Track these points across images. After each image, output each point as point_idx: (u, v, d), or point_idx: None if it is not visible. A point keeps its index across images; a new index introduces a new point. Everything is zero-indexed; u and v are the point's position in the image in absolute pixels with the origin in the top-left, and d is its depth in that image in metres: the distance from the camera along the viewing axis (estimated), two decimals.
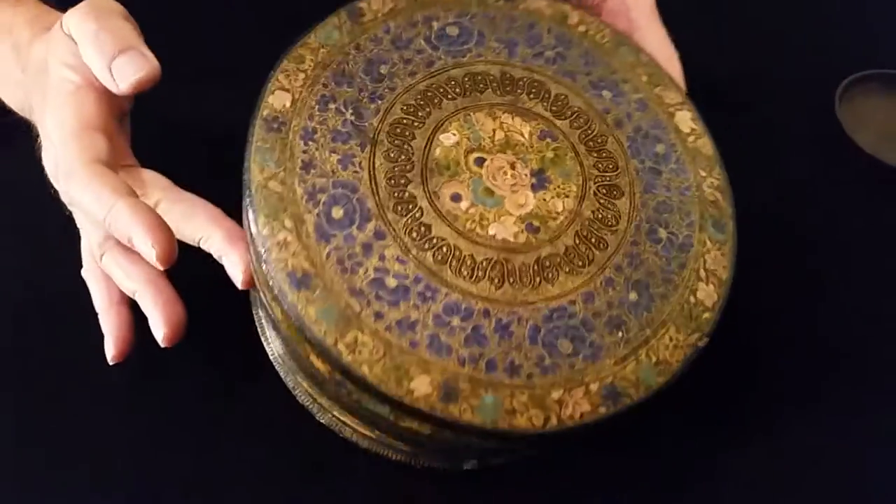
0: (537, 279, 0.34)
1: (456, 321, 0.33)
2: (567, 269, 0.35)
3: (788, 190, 0.48)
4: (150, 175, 0.38)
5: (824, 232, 0.45)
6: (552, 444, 0.34)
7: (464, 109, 0.37)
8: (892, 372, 0.45)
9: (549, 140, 0.37)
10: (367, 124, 0.36)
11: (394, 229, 0.34)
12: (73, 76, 0.37)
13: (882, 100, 0.54)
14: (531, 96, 0.38)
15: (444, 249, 0.34)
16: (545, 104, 0.38)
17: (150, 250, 0.33)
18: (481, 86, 0.38)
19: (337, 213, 0.33)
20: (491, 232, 0.34)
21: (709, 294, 0.36)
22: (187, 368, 0.41)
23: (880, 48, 0.58)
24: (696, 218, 0.38)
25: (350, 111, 0.36)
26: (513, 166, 0.36)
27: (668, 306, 0.35)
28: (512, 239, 0.35)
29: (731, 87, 0.41)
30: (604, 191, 0.37)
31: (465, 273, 0.33)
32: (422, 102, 0.37)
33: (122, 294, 0.39)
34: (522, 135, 0.37)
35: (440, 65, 0.38)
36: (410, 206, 0.34)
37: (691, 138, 0.40)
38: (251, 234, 0.33)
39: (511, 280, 0.34)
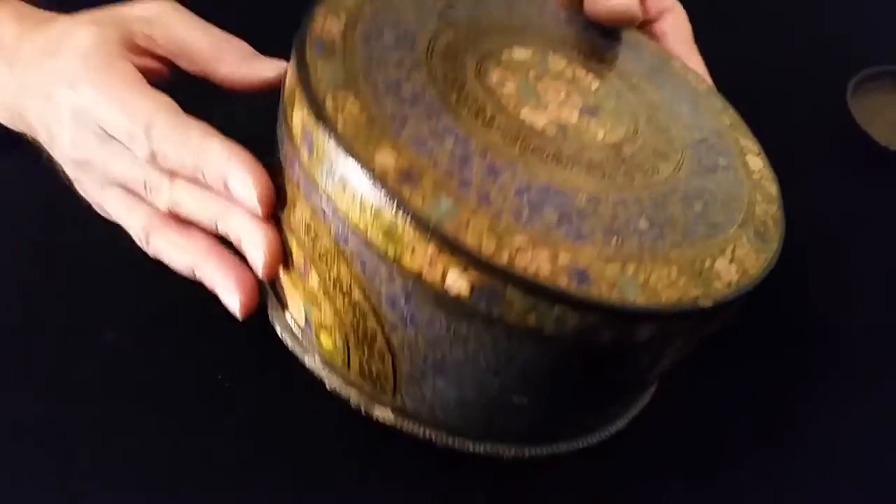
0: (548, 158, 0.32)
1: (448, 141, 0.30)
2: (585, 170, 0.32)
3: (803, 184, 0.43)
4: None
5: (840, 225, 0.42)
6: (491, 300, 0.28)
7: (544, 45, 0.38)
8: None
9: (614, 99, 0.37)
10: (454, 13, 0.37)
11: (432, 66, 0.33)
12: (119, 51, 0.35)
13: (894, 95, 0.53)
14: (611, 68, 0.39)
15: (470, 98, 0.33)
16: (622, 79, 0.39)
17: (250, 192, 0.32)
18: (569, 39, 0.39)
19: (388, 36, 0.34)
20: (521, 115, 0.33)
21: (728, 272, 0.31)
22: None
23: (891, 44, 0.57)
24: (738, 217, 0.34)
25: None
26: (568, 93, 0.36)
27: (677, 252, 0.31)
28: (539, 127, 0.33)
29: (741, 83, 0.39)
30: (651, 151, 0.35)
31: (480, 120, 0.32)
32: (511, 26, 0.38)
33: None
34: (591, 84, 0.37)
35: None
36: (458, 63, 0.34)
37: (756, 175, 0.38)
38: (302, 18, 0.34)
39: (522, 146, 0.32)
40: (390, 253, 0.28)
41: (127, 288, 0.39)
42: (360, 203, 0.28)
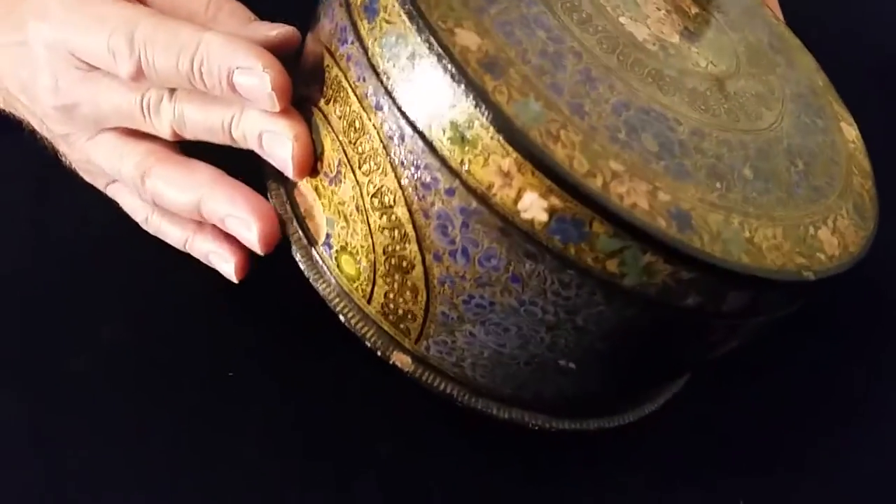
0: (650, 79, 0.26)
1: (541, 34, 0.25)
2: (686, 99, 0.27)
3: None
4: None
5: None
6: (572, 233, 0.23)
7: None
8: None
9: (714, 30, 0.32)
10: None
11: None
12: None
13: None
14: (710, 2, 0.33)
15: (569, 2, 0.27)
16: (721, 13, 0.33)
17: (261, 79, 0.26)
18: None
19: None
20: (621, 20, 0.28)
21: (830, 243, 0.27)
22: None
23: None
24: (837, 186, 0.29)
25: None
26: (668, 12, 0.30)
27: (783, 210, 0.26)
28: (640, 39, 0.28)
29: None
30: (752, 94, 0.30)
31: (577, 20, 0.26)
32: None
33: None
34: (690, 9, 0.32)
35: None
36: None
37: (851, 146, 0.33)
38: None
39: (621, 58, 0.26)
40: (456, 160, 0.23)
41: (123, 283, 0.34)
42: (429, 91, 0.23)
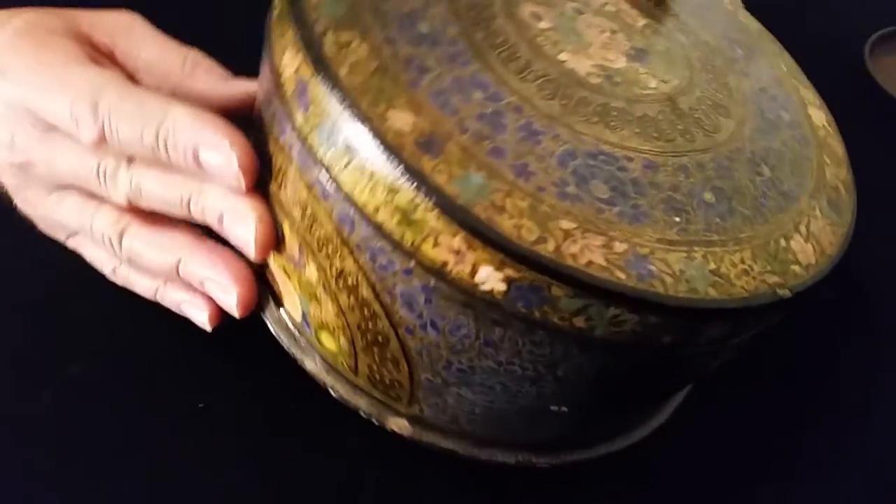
0: (595, 119, 0.26)
1: (478, 95, 0.24)
2: (637, 131, 0.26)
3: None
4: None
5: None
6: (533, 299, 0.23)
7: None
8: None
9: (663, 38, 0.31)
10: None
11: (454, 3, 0.27)
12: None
13: None
14: (660, 8, 0.33)
15: (500, 39, 0.27)
16: (671, 17, 0.32)
17: (228, 160, 0.26)
18: None
19: None
20: (561, 57, 0.27)
21: (804, 252, 0.26)
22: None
23: None
24: (809, 184, 0.29)
25: None
26: (612, 32, 0.30)
27: (749, 229, 0.26)
28: (582, 74, 0.27)
29: None
30: (709, 102, 0.29)
31: (513, 68, 0.26)
32: None
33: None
34: (635, 21, 0.31)
35: None
36: (485, 6, 0.28)
37: (822, 132, 0.32)
38: None
39: (564, 102, 0.26)
40: (407, 242, 0.23)
41: (91, 319, 0.34)
42: (370, 178, 0.23)
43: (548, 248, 0.22)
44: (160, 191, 0.28)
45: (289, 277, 0.28)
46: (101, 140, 0.28)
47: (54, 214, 0.31)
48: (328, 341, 0.28)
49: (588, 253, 0.22)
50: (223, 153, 0.26)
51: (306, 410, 0.31)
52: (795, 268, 0.25)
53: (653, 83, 0.28)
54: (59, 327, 0.34)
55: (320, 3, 0.25)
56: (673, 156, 0.26)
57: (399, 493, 0.31)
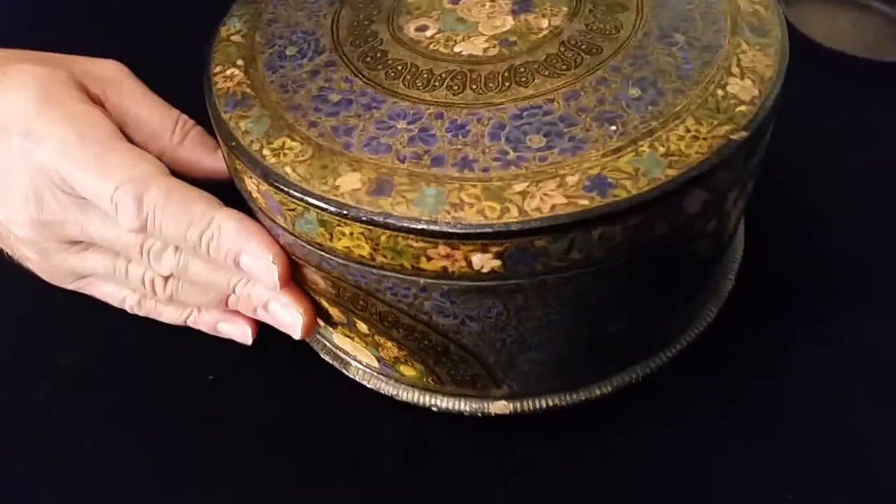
0: (507, 84, 0.28)
1: (401, 124, 0.28)
2: (546, 73, 0.29)
3: None
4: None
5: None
6: (531, 271, 0.26)
7: None
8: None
9: None
10: None
11: (347, 58, 0.31)
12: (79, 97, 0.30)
13: (820, 3, 0.54)
14: None
15: (399, 67, 0.30)
16: None
17: (269, 271, 0.28)
18: None
19: (290, 50, 0.31)
20: (457, 49, 0.30)
21: (745, 88, 0.28)
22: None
23: None
24: (726, 24, 0.30)
25: None
26: (493, 0, 0.32)
27: (683, 99, 0.27)
28: (480, 53, 0.30)
29: None
30: (603, 7, 0.31)
31: (420, 84, 0.29)
32: None
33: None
34: None
35: None
36: (370, 39, 0.31)
37: None
38: (204, 85, 0.31)
39: (474, 87, 0.29)
40: (408, 266, 0.26)
41: (84, 308, 0.36)
42: (353, 238, 0.26)
43: (513, 215, 0.25)
44: (207, 275, 0.30)
45: (351, 339, 0.32)
46: (142, 230, 0.29)
47: (76, 264, 0.32)
48: (407, 370, 0.32)
49: (548, 199, 0.25)
50: (264, 265, 0.28)
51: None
52: (741, 108, 0.27)
53: (544, 24, 0.31)
54: (48, 320, 0.36)
55: (249, 128, 0.28)
56: (588, 75, 0.28)
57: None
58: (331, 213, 0.26)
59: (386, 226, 0.25)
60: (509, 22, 0.31)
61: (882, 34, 0.52)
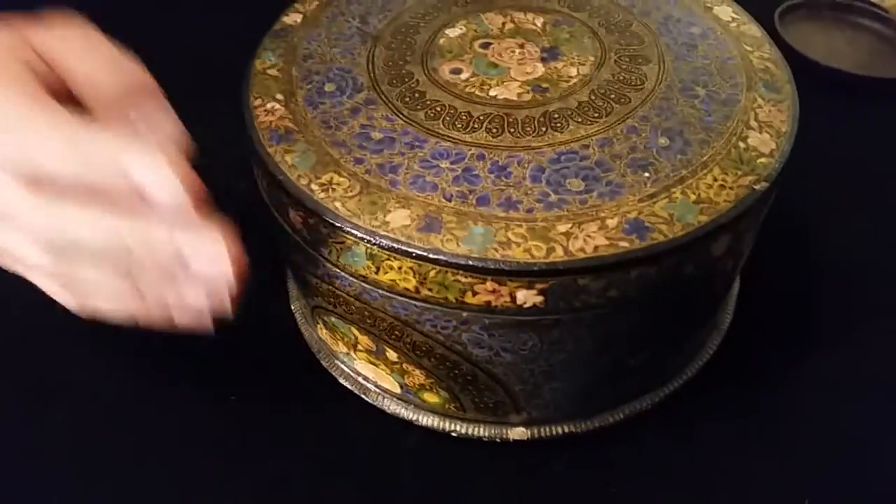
0: (543, 129, 0.30)
1: (445, 164, 0.29)
2: (579, 120, 0.30)
3: None
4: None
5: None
6: (571, 308, 0.27)
7: (473, 11, 0.36)
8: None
9: (564, 26, 0.35)
10: (371, 27, 0.36)
11: (385, 96, 0.32)
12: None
13: (815, 23, 0.58)
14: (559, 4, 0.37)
15: (438, 108, 0.31)
16: (561, 2, 0.37)
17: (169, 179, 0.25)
18: None
19: (329, 87, 0.32)
20: (492, 93, 0.32)
21: (763, 141, 0.30)
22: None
23: None
24: (742, 80, 0.33)
25: (357, 20, 0.36)
26: (522, 46, 0.34)
27: (709, 150, 0.29)
28: (515, 98, 0.31)
29: None
30: (627, 59, 0.33)
31: (460, 126, 0.30)
32: (431, 10, 0.36)
33: None
34: (534, 24, 0.35)
35: None
36: (406, 79, 0.33)
37: (734, 24, 0.36)
38: (245, 116, 0.32)
39: (512, 130, 0.30)
40: (452, 300, 0.27)
41: (71, 360, 0.37)
42: (401, 272, 0.27)
43: (558, 255, 0.26)
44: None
45: (376, 365, 0.33)
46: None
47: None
48: (431, 398, 0.33)
49: (591, 241, 0.26)
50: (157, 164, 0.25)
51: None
52: (762, 160, 0.29)
53: (573, 72, 0.32)
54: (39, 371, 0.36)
55: (295, 162, 0.29)
56: (619, 123, 0.30)
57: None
58: (381, 247, 0.27)
59: (436, 262, 0.26)
60: (540, 69, 0.33)
61: (875, 51, 0.56)
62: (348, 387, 0.35)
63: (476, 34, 0.35)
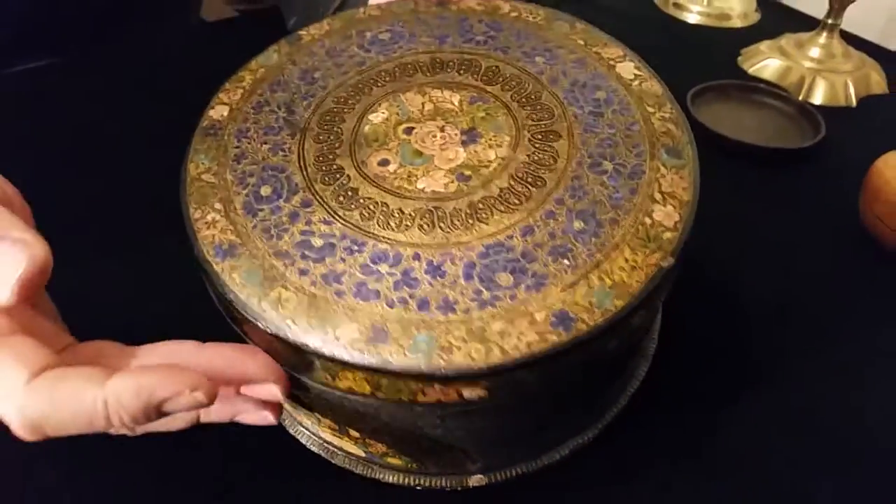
0: (470, 221, 0.33)
1: (384, 268, 0.31)
2: (502, 209, 0.33)
3: None
4: (101, 345, 0.30)
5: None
6: (511, 392, 0.30)
7: (393, 92, 0.38)
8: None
9: (480, 103, 0.37)
10: (298, 117, 0.37)
11: (321, 197, 0.34)
12: None
13: (724, 103, 0.68)
14: (461, 72, 0.39)
15: (371, 207, 0.33)
16: (475, 76, 0.39)
17: (194, 399, 0.27)
18: (411, 71, 0.39)
19: (265, 191, 0.34)
20: (420, 186, 0.34)
21: (668, 214, 0.33)
22: None
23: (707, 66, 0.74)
24: (645, 148, 0.35)
25: (283, 110, 0.37)
26: (442, 129, 0.36)
27: (619, 230, 0.32)
28: (442, 189, 0.34)
29: None
30: (539, 136, 0.36)
31: (393, 224, 0.33)
32: (352, 93, 0.38)
33: None
34: (452, 103, 0.37)
35: (371, 62, 0.40)
36: (338, 175, 0.34)
37: (636, 83, 0.38)
38: (186, 229, 0.34)
39: (442, 225, 0.33)
40: (405, 399, 0.30)
41: None
42: (356, 381, 0.30)
43: (496, 356, 0.29)
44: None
45: (340, 437, 0.36)
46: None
47: None
48: (395, 460, 0.36)
49: (524, 337, 0.29)
50: (188, 401, 0.27)
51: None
52: (667, 234, 0.32)
53: (492, 155, 0.35)
54: None
55: (242, 278, 0.31)
56: (537, 209, 0.33)
57: None
58: (335, 361, 0.29)
59: (387, 372, 0.29)
60: (462, 154, 0.35)
61: (778, 126, 0.66)
62: (315, 451, 0.38)
63: (398, 119, 0.36)
